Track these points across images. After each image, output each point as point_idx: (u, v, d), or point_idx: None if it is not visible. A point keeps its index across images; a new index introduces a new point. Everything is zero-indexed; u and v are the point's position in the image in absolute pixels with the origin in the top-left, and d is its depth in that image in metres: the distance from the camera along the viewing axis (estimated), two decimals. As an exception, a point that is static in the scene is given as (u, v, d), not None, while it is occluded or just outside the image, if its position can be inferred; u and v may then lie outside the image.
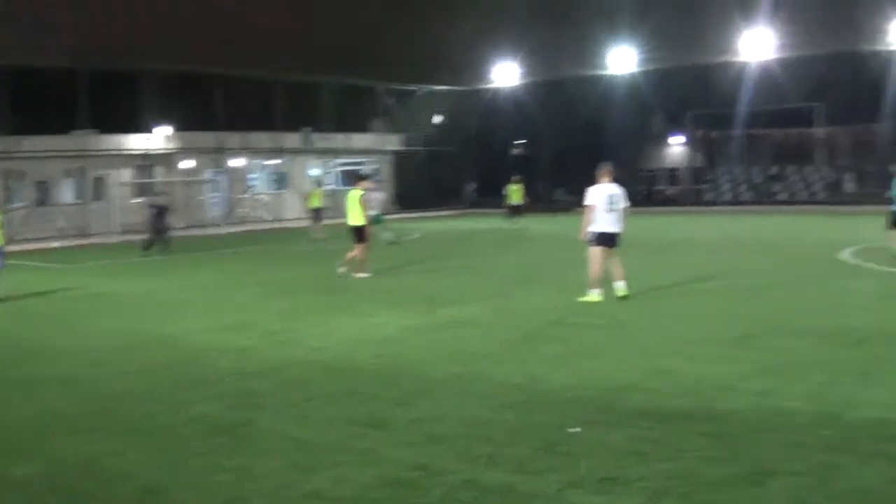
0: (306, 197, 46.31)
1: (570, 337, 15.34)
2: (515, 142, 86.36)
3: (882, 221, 28.08)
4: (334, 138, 68.13)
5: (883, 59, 67.54)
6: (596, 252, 19.82)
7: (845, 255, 28.27)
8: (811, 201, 70.27)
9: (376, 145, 72.00)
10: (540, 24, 70.34)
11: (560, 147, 79.67)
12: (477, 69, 77.48)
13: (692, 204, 73.75)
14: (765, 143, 78.73)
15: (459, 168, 79.73)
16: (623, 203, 19.96)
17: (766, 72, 71.02)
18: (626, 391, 11.43)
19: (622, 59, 74.11)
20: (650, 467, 8.50)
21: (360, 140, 71.28)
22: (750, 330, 15.44)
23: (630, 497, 7.85)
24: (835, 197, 69.97)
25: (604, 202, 19.76)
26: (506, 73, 78.88)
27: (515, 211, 47.78)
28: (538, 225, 47.58)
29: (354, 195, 27.49)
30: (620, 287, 19.70)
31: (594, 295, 19.52)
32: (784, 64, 70.33)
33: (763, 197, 71.72)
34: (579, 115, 76.31)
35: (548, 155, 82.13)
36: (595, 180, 19.74)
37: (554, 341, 14.93)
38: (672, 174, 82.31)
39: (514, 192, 48.05)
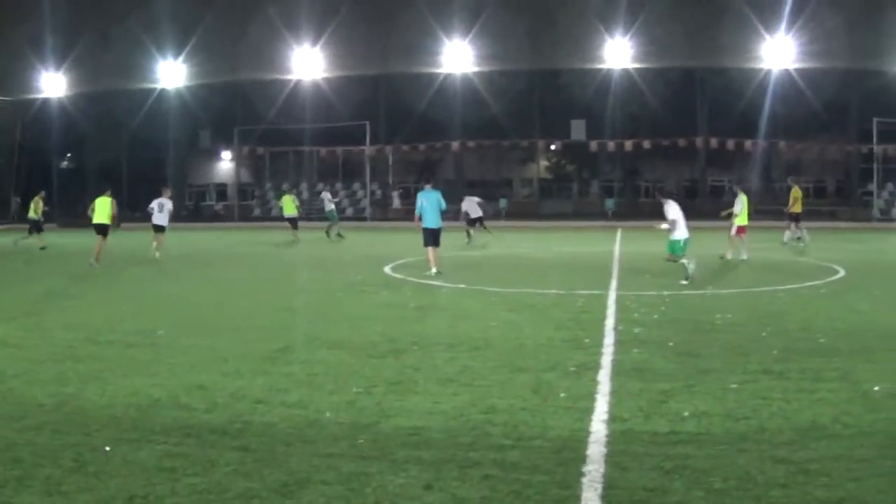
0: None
1: (104, 354, 14.88)
2: (63, 154, 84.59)
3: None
4: None
5: (430, 80, 69.82)
6: None
7: (388, 268, 29.04)
8: (359, 217, 71.81)
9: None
10: (87, 35, 69.10)
11: (106, 160, 78.51)
12: (22, 79, 75.24)
13: (240, 219, 74.04)
14: (313, 160, 79.87)
15: (3, 180, 77.04)
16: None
17: (317, 90, 72.15)
18: (158, 408, 11.23)
19: (171, 73, 73.60)
20: (181, 483, 8.36)
21: None
22: (288, 343, 15.63)
23: (160, 514, 7.69)
24: (382, 213, 71.84)
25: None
26: (52, 84, 77.01)
27: (35, 226, 45.35)
28: (81, 240, 46.45)
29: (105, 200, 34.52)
30: None
31: None
32: (334, 83, 71.69)
33: (310, 212, 72.60)
34: (126, 127, 75.37)
35: (94, 168, 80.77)
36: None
37: (88, 359, 14.49)
38: (221, 189, 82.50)
39: (35, 206, 45.03)
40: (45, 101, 78.41)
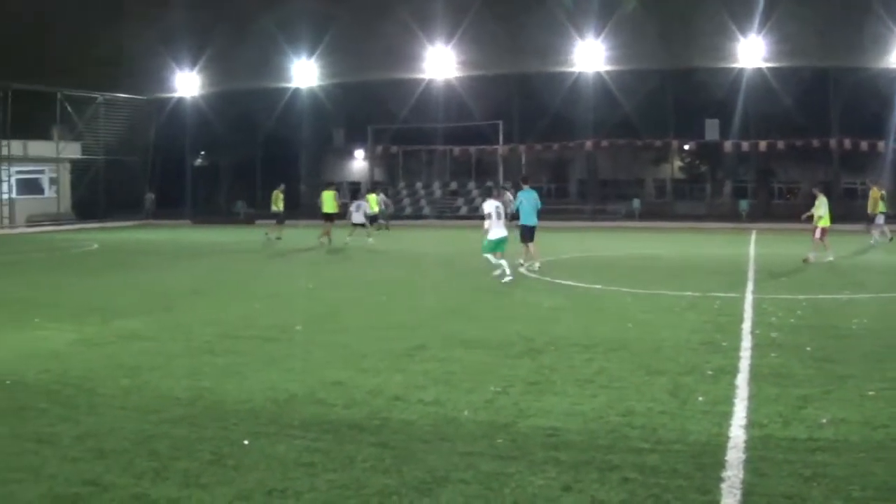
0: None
1: (241, 349, 15.11)
2: (197, 152, 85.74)
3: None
4: (12, 145, 65.53)
5: (562, 78, 69.51)
6: None
7: (523, 268, 28.96)
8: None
9: (55, 153, 69.71)
10: (221, 34, 69.84)
11: (240, 159, 79.31)
12: (157, 78, 76.33)
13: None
14: (446, 159, 79.86)
15: (139, 178, 78.25)
16: None
17: (449, 89, 72.15)
18: (296, 403, 11.34)
19: (304, 72, 74.05)
20: (319, 478, 8.44)
21: (38, 148, 69.03)
22: (424, 340, 15.64)
23: (298, 509, 7.76)
24: (515, 212, 71.53)
25: None
26: (186, 83, 77.97)
27: (278, 217, 47.73)
28: (216, 236, 47.09)
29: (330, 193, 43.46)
30: None
31: None
32: (467, 83, 71.66)
33: (444, 211, 72.62)
34: (260, 126, 76.12)
35: (228, 166, 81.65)
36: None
37: (225, 353, 14.73)
38: (355, 188, 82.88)
39: (276, 199, 47.43)
40: (180, 100, 79.38)
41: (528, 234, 29.54)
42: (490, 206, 26.33)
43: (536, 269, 28.77)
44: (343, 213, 45.12)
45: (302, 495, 8.04)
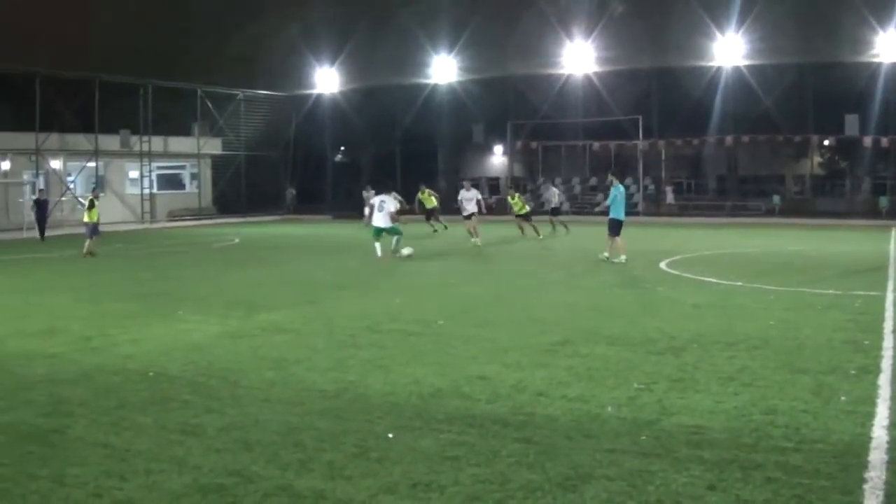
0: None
1: (385, 343, 15.27)
2: (336, 148, 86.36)
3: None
4: (153, 141, 66.70)
5: (701, 73, 68.87)
6: None
7: (663, 264, 28.80)
8: (631, 212, 71.17)
9: (195, 149, 70.82)
10: (360, 30, 70.33)
11: (379, 154, 79.70)
12: (297, 75, 77.13)
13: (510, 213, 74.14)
14: (585, 154, 79.38)
15: (279, 173, 79.13)
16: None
17: (589, 84, 71.84)
18: (440, 397, 11.45)
19: (443, 68, 74.20)
20: (463, 472, 8.50)
21: (178, 143, 70.23)
22: (567, 337, 15.63)
23: (443, 502, 7.84)
24: (655, 208, 71.04)
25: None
26: (326, 80, 78.65)
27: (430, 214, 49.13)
28: (357, 231, 47.39)
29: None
30: None
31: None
32: (606, 77, 71.31)
33: (583, 207, 72.20)
34: (399, 122, 76.42)
35: (367, 162, 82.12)
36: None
37: (369, 347, 14.90)
38: (493, 184, 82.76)
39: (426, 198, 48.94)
40: (319, 97, 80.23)
41: (617, 227, 30.20)
42: (375, 200, 31.88)
43: (623, 261, 29.50)
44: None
45: (446, 489, 8.11)
